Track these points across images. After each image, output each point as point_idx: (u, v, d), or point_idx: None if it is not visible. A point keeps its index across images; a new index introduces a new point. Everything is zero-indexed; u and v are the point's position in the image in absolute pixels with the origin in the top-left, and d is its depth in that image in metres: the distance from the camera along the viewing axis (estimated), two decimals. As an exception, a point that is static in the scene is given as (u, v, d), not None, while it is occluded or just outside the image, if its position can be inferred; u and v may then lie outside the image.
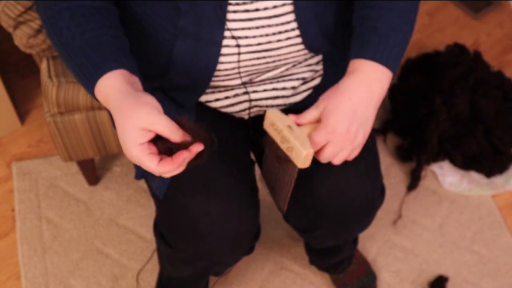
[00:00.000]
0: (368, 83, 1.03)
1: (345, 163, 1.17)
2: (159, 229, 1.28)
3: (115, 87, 0.96)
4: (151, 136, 0.93)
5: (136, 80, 1.00)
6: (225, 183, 1.15)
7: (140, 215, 1.77)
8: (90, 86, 0.99)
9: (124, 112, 0.94)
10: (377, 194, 1.26)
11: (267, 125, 1.04)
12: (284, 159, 1.04)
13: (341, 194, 1.19)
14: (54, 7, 1.02)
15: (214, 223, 1.14)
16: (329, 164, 1.17)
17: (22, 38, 1.39)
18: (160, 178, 1.16)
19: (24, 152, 1.89)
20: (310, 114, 1.04)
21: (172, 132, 0.92)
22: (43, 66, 1.47)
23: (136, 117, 0.92)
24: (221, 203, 1.14)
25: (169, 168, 0.93)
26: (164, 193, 1.16)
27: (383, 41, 1.05)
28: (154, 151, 0.94)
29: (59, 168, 1.85)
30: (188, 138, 0.94)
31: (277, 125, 1.02)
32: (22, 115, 1.96)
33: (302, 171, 1.04)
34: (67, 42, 1.01)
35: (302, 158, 0.99)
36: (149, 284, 1.65)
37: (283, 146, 1.02)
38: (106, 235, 1.73)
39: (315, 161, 1.03)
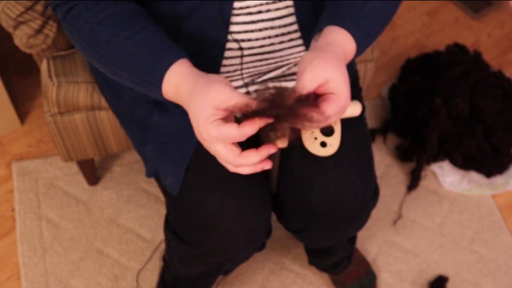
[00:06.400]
0: (346, 61, 0.98)
1: (338, 164, 1.18)
2: (171, 226, 1.28)
3: (186, 73, 0.94)
4: (224, 115, 0.90)
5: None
6: (239, 179, 1.15)
7: (140, 215, 1.77)
8: (156, 83, 0.95)
9: (197, 91, 0.91)
10: (370, 196, 1.26)
11: None
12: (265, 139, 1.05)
13: (333, 195, 1.19)
14: (92, 19, 0.98)
15: (230, 218, 1.15)
16: (322, 165, 1.17)
17: (22, 38, 1.39)
18: (173, 175, 1.16)
19: (24, 152, 1.89)
20: (311, 85, 0.91)
21: (247, 105, 0.88)
22: (43, 66, 1.47)
23: (209, 95, 0.89)
24: (237, 199, 1.14)
25: (251, 128, 0.88)
26: (178, 190, 1.17)
27: (365, 27, 1.01)
28: (231, 120, 0.90)
29: (59, 168, 1.85)
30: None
31: None
32: (22, 115, 1.96)
33: (283, 154, 1.02)
34: (117, 48, 0.97)
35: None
36: (149, 284, 1.65)
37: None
38: (106, 235, 1.73)
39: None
